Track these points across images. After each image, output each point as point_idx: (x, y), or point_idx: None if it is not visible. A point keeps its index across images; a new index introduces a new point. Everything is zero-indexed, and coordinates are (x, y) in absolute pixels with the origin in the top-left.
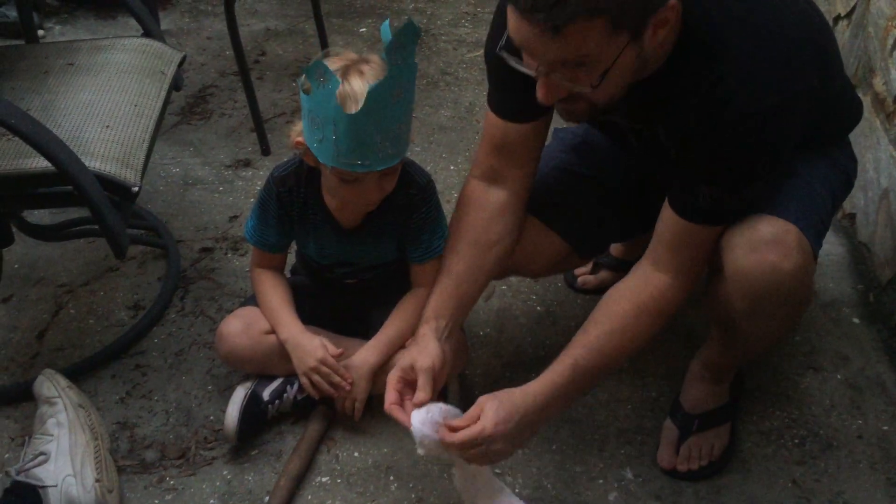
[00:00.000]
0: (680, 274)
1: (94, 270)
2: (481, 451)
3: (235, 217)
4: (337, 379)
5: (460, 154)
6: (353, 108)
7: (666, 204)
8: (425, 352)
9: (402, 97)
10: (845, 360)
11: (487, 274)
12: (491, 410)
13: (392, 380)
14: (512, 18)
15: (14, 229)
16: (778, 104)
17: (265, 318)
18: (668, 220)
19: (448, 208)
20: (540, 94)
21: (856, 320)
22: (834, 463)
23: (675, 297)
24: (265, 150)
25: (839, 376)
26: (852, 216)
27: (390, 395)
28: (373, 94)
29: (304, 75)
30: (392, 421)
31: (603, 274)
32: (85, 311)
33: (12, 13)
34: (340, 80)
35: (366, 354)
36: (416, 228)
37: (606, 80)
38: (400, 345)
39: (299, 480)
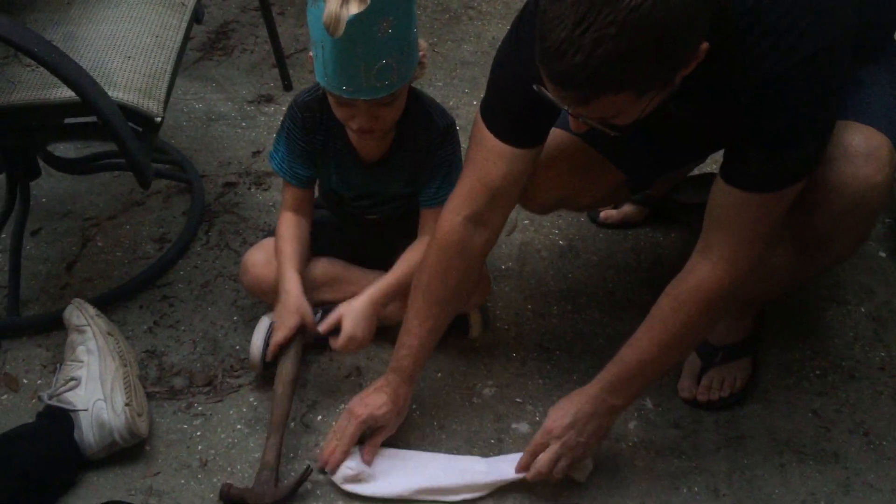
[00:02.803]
0: (725, 258)
1: (120, 204)
2: (555, 451)
3: (258, 152)
4: (326, 323)
5: (482, 89)
6: (338, 34)
7: (717, 179)
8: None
9: (390, 33)
10: (870, 294)
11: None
12: (550, 411)
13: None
14: (545, 77)
15: (41, 163)
16: (814, 55)
17: (276, 259)
18: (718, 192)
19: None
20: (573, 125)
21: (882, 254)
22: (855, 394)
23: (717, 284)
24: (287, 86)
25: (863, 309)
26: None
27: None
28: (352, 23)
29: None
30: None
31: (626, 208)
32: (112, 244)
33: None
34: (337, 2)
35: (356, 301)
36: (430, 171)
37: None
38: (397, 293)
39: (295, 385)
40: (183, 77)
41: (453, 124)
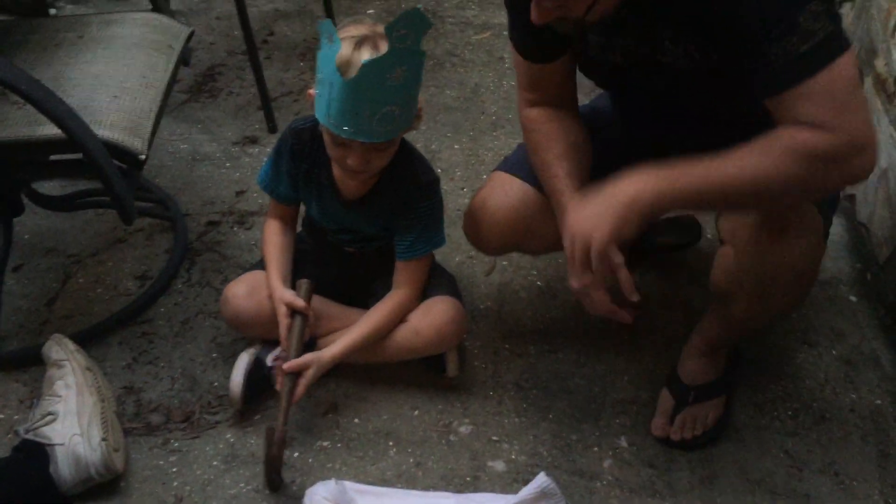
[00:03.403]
0: (818, 124)
1: (102, 242)
2: (578, 247)
3: (242, 192)
4: (292, 364)
5: (464, 134)
6: (349, 76)
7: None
8: None
9: (400, 81)
10: (840, 337)
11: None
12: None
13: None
14: None
15: (25, 200)
16: None
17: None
18: (772, 112)
19: (451, 186)
20: (533, 15)
21: (853, 298)
22: (826, 435)
23: (830, 140)
24: (272, 128)
25: (834, 352)
26: (852, 196)
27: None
28: (367, 67)
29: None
30: (392, 389)
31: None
32: (93, 281)
33: None
34: (351, 45)
35: (324, 354)
36: (406, 224)
37: (595, 8)
38: (364, 346)
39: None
40: (169, 118)
41: (437, 181)
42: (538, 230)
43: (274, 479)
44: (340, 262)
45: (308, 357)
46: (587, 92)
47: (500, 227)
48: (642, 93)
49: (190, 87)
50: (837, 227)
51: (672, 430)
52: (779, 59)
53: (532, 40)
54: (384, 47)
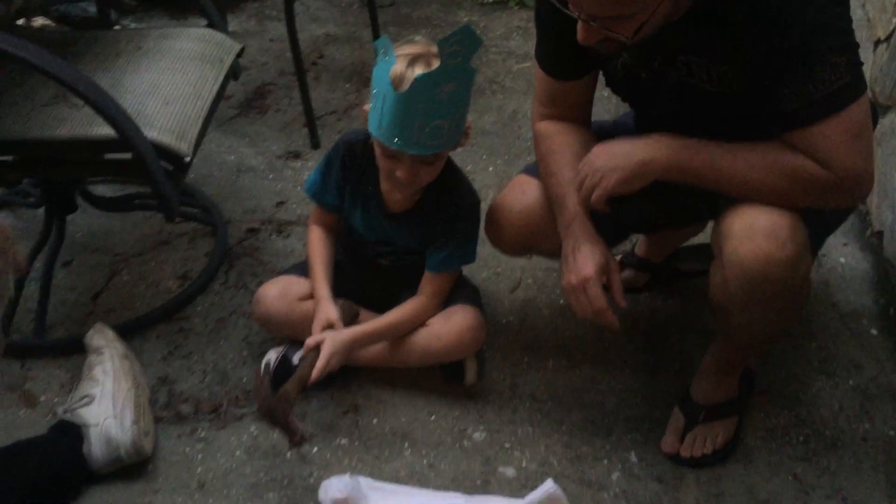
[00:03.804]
0: (827, 160)
1: (148, 243)
2: (588, 175)
3: (282, 203)
4: (311, 339)
5: (500, 157)
6: (402, 89)
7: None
8: None
9: (450, 96)
10: (859, 368)
11: None
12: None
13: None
14: None
15: (79, 202)
16: None
17: (309, 272)
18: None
19: (483, 206)
20: (580, 35)
21: (874, 332)
22: (836, 461)
23: (819, 174)
24: (315, 144)
25: (851, 382)
26: (880, 234)
27: None
28: (419, 81)
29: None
30: (411, 394)
31: (627, 273)
32: (137, 279)
33: (92, 9)
34: (405, 62)
35: (341, 333)
36: (443, 240)
37: (641, 31)
38: (381, 337)
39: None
40: (219, 132)
41: (478, 203)
42: (551, 230)
43: (290, 434)
44: (374, 275)
45: (325, 332)
46: (612, 111)
47: (516, 224)
48: (665, 110)
49: (240, 103)
50: (864, 263)
51: (682, 448)
52: (793, 102)
53: (558, 58)
54: (436, 65)
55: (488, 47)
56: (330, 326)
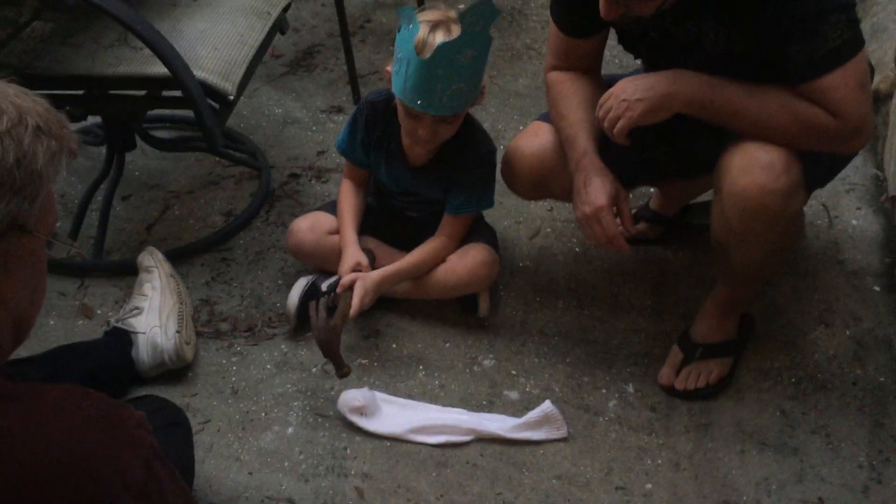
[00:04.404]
0: (836, 110)
1: (198, 182)
2: (613, 107)
3: (323, 152)
4: (345, 279)
5: (530, 118)
6: (424, 55)
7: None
8: None
9: (469, 61)
10: (857, 321)
11: None
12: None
13: None
14: None
15: (138, 142)
16: None
17: (338, 220)
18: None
19: None
20: (603, 11)
21: (876, 288)
22: (824, 401)
23: (829, 122)
24: (357, 101)
25: (848, 332)
26: (894, 199)
27: None
28: (441, 49)
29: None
30: (428, 323)
31: (641, 226)
32: (187, 213)
33: None
34: (427, 28)
35: (371, 273)
36: (462, 184)
37: (662, 6)
38: (407, 276)
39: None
40: (269, 87)
41: (493, 152)
42: (562, 171)
43: (338, 365)
44: (402, 223)
45: (354, 275)
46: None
47: (529, 166)
48: (675, 68)
49: (290, 61)
50: (875, 225)
51: (677, 381)
52: (800, 58)
53: (572, 16)
54: (456, 31)
55: (528, 15)
56: (358, 269)
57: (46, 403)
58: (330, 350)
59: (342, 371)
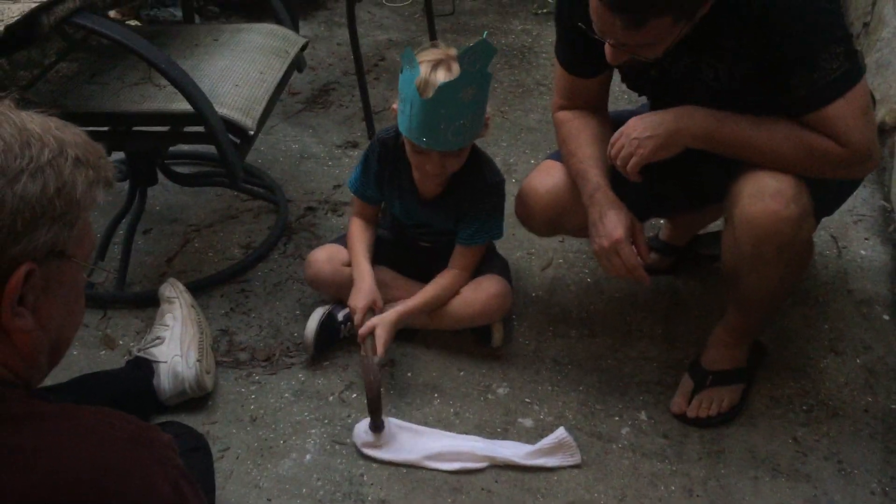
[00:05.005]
0: (840, 138)
1: (218, 216)
2: (624, 145)
3: (339, 186)
4: (364, 328)
5: (542, 152)
6: (427, 95)
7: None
8: None
9: (471, 99)
10: (868, 349)
11: None
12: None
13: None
14: (595, 6)
15: (160, 177)
16: None
17: (349, 255)
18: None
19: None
20: (609, 57)
21: (886, 317)
22: (836, 429)
23: (836, 150)
24: (371, 135)
25: (859, 361)
26: None
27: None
28: (443, 89)
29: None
30: (443, 353)
31: (651, 256)
32: (206, 246)
33: (178, 13)
34: (428, 68)
35: (387, 315)
36: (472, 216)
37: (664, 51)
38: (423, 311)
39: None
40: (286, 123)
41: (502, 182)
42: (576, 208)
43: (375, 418)
44: (416, 254)
45: (374, 319)
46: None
47: (543, 204)
48: (677, 103)
49: (307, 99)
50: (883, 256)
51: (688, 409)
52: (802, 91)
53: (576, 57)
54: (456, 68)
55: (539, 53)
56: (372, 307)
57: (79, 422)
58: (374, 402)
59: (377, 424)
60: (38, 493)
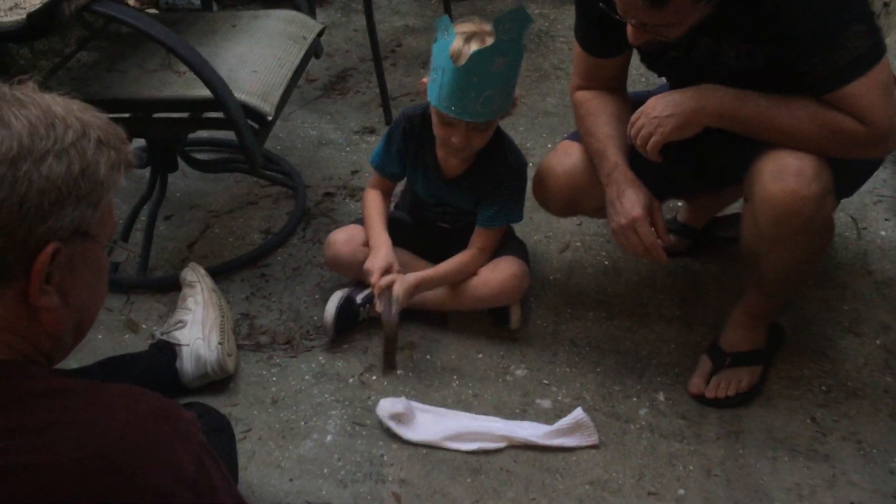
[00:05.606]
0: (862, 117)
1: (237, 202)
2: (644, 124)
3: (356, 171)
4: (383, 280)
5: (558, 136)
6: (459, 63)
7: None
8: None
9: (502, 69)
10: (887, 330)
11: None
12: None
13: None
14: None
15: (180, 163)
16: None
17: (364, 225)
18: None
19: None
20: (630, 37)
21: None
22: (855, 409)
23: (858, 128)
24: (388, 122)
25: (878, 341)
26: None
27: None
28: (476, 56)
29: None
30: (462, 335)
31: (669, 238)
32: (227, 232)
33: (197, 1)
34: (462, 39)
35: (409, 275)
36: (493, 196)
37: (686, 31)
38: (441, 282)
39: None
40: (304, 110)
41: (524, 166)
42: (593, 188)
43: (389, 361)
44: (435, 236)
45: (391, 276)
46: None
47: (561, 184)
48: (698, 84)
49: (324, 85)
50: None
51: (707, 389)
52: (823, 69)
53: (596, 38)
54: (490, 42)
55: (556, 37)
56: (389, 269)
57: (104, 398)
58: (390, 344)
59: (390, 366)
60: (65, 466)
